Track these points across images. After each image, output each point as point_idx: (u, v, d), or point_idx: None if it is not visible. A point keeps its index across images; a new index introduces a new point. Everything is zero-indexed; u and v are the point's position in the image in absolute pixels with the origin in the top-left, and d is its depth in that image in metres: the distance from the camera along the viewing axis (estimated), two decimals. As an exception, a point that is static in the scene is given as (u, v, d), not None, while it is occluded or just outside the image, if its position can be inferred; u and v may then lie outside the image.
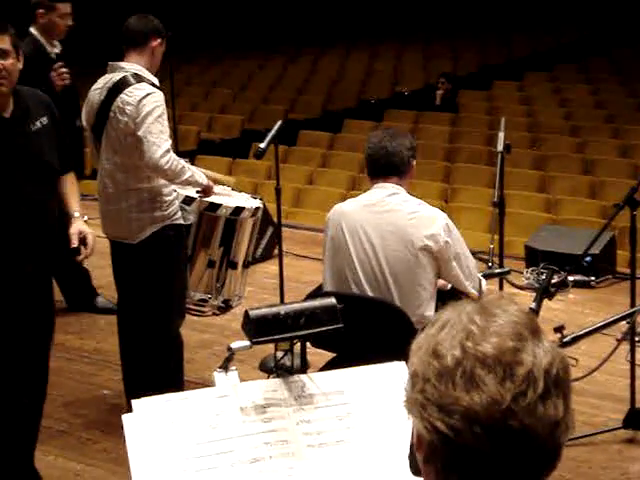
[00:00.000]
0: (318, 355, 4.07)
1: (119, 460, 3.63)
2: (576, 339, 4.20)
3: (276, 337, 2.02)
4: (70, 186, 3.73)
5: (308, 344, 3.86)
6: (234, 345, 2.04)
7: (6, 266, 3.42)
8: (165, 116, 4.20)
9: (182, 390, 4.17)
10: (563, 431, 1.23)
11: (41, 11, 5.47)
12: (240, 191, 5.16)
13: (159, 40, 4.33)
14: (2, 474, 3.59)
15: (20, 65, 3.41)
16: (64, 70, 5.41)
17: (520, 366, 1.21)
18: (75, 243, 3.57)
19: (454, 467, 1.22)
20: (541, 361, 1.22)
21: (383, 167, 3.94)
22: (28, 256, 3.45)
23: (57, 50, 5.60)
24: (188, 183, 4.40)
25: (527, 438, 1.20)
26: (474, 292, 3.89)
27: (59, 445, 3.84)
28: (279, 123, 4.98)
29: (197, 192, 4.56)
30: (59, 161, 3.61)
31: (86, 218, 3.73)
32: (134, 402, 1.94)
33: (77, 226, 3.62)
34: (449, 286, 3.99)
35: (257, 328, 2.00)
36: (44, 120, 3.52)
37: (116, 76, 4.26)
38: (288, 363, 2.06)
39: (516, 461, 1.21)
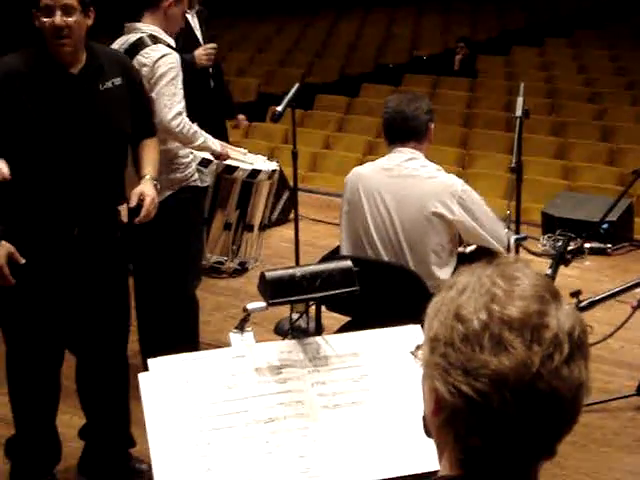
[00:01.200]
0: (332, 319, 4.08)
1: (135, 420, 3.65)
2: (592, 304, 4.20)
3: (292, 299, 2.03)
4: (147, 150, 3.60)
5: (323, 307, 3.89)
6: (250, 306, 2.05)
7: (52, 225, 3.37)
8: (179, 78, 4.18)
9: (197, 352, 4.20)
10: (585, 392, 1.25)
11: None
12: (256, 154, 5.16)
13: (172, 0, 4.27)
14: (25, 432, 3.63)
15: (89, 21, 3.30)
16: (210, 47, 5.38)
17: (546, 329, 1.21)
18: (132, 204, 3.45)
19: (477, 430, 1.23)
20: (564, 324, 1.23)
21: (401, 132, 3.92)
22: (75, 218, 3.38)
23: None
24: (201, 149, 4.39)
25: (554, 400, 1.21)
26: (501, 249, 3.90)
27: (75, 404, 3.86)
28: (296, 86, 4.95)
29: (212, 156, 4.56)
30: (135, 125, 3.50)
31: (158, 185, 3.58)
32: (150, 361, 1.95)
33: (139, 187, 3.49)
34: (468, 249, 3.99)
35: (273, 290, 2.00)
36: (117, 80, 3.41)
37: (132, 37, 4.24)
38: (303, 325, 2.06)
39: (540, 423, 1.22)
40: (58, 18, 3.21)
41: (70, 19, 3.22)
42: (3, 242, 3.25)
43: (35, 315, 3.44)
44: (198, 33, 5.69)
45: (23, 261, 3.27)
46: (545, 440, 1.25)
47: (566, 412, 1.24)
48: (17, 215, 3.36)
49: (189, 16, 5.61)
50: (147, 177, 3.55)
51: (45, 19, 3.23)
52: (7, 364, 3.59)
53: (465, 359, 1.21)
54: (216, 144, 4.46)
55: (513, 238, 4.01)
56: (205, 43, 5.60)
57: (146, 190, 3.50)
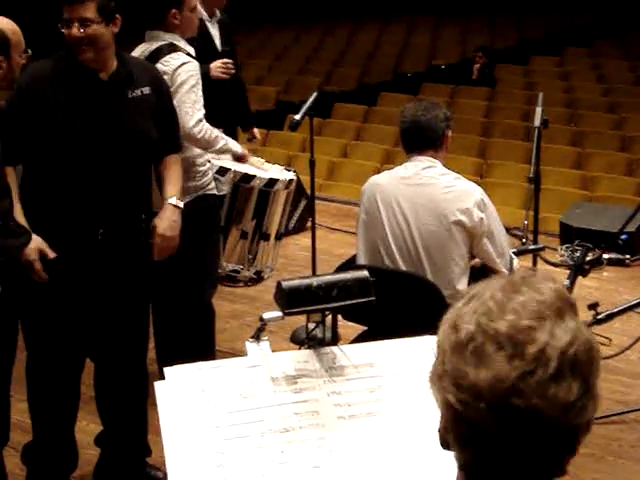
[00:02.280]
0: (349, 328, 4.07)
1: (151, 428, 3.66)
2: (610, 317, 4.18)
3: (308, 308, 2.02)
4: (170, 168, 3.64)
5: (339, 317, 3.88)
6: (266, 315, 2.04)
7: (77, 228, 3.40)
8: (199, 86, 4.19)
9: (213, 359, 4.20)
10: (578, 413, 1.20)
11: None
12: (273, 163, 5.16)
13: (175, 10, 4.23)
14: (43, 439, 3.63)
15: (115, 29, 3.36)
16: (229, 62, 5.38)
17: (531, 345, 1.19)
18: (152, 240, 3.55)
19: (467, 442, 1.23)
20: (559, 341, 1.19)
21: (418, 141, 3.92)
22: (100, 221, 3.41)
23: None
24: (223, 152, 4.41)
25: (533, 418, 1.18)
26: (504, 270, 3.87)
27: (92, 411, 3.87)
28: (314, 95, 4.96)
29: (233, 157, 4.57)
30: (160, 138, 3.54)
31: (181, 205, 3.63)
32: (166, 370, 1.95)
33: (155, 219, 3.56)
34: (480, 263, 3.98)
35: (289, 299, 2.00)
36: (146, 90, 3.47)
37: (152, 46, 4.25)
38: (319, 335, 2.06)
39: (525, 441, 1.19)
40: (75, 30, 3.31)
41: (88, 30, 3.28)
42: (34, 236, 3.28)
43: (58, 319, 3.45)
44: (217, 42, 5.68)
45: (52, 255, 3.29)
46: (539, 460, 1.22)
47: (554, 431, 1.20)
48: (42, 217, 3.40)
49: (209, 24, 5.61)
50: (169, 201, 3.60)
51: (64, 30, 3.32)
52: (27, 370, 3.60)
53: (452, 368, 1.22)
54: (237, 146, 4.48)
55: (515, 261, 3.99)
56: (223, 53, 5.59)
57: (158, 223, 3.55)
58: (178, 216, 3.61)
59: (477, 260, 3.94)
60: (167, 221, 3.58)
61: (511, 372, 1.17)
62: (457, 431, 1.23)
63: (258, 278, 4.85)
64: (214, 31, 5.68)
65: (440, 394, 1.23)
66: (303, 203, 7.18)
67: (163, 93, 3.61)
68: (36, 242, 3.29)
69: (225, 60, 5.37)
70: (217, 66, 5.31)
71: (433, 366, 1.27)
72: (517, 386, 1.17)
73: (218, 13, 5.68)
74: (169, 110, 3.66)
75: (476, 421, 1.19)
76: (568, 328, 1.21)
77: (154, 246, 3.56)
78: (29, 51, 3.28)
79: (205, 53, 4.99)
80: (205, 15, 5.55)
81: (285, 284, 2.01)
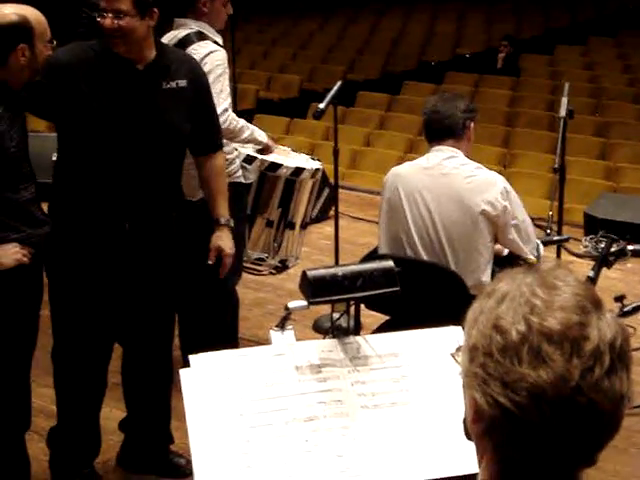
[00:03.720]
0: (371, 317, 4.08)
1: (177, 414, 3.68)
2: (637, 309, 4.16)
3: (333, 298, 2.03)
4: (217, 180, 3.70)
5: (362, 306, 3.88)
6: (291, 305, 2.05)
7: (104, 218, 3.41)
8: (226, 75, 4.20)
9: (237, 347, 4.22)
10: (626, 404, 1.22)
11: None
12: (299, 152, 5.17)
13: None
14: (68, 424, 3.67)
15: (151, 22, 3.36)
16: None
17: (587, 341, 1.19)
18: (211, 260, 3.66)
19: (514, 442, 1.21)
20: (605, 335, 1.20)
21: (437, 131, 3.93)
22: (127, 212, 3.42)
23: None
24: (248, 141, 4.42)
25: (593, 413, 1.19)
26: (532, 257, 3.87)
27: (116, 397, 3.90)
28: (339, 83, 4.95)
29: (257, 150, 4.57)
30: (198, 135, 3.56)
31: (232, 224, 3.71)
32: (192, 357, 1.96)
33: (216, 241, 3.66)
34: (505, 252, 3.97)
35: (314, 289, 2.01)
36: (182, 82, 3.46)
37: (181, 33, 4.26)
38: (344, 324, 2.06)
39: (580, 435, 1.20)
40: (108, 20, 3.31)
41: (121, 22, 3.28)
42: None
43: (86, 307, 3.48)
44: None
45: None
46: (585, 451, 1.23)
47: (606, 424, 1.21)
48: (71, 206, 3.42)
49: None
50: (222, 222, 3.69)
51: (99, 19, 3.33)
52: (54, 357, 3.62)
53: (503, 371, 1.19)
54: (263, 136, 4.49)
55: (542, 248, 3.98)
56: None
57: (223, 245, 3.66)
58: (232, 233, 3.73)
59: (499, 247, 3.94)
60: (229, 241, 3.69)
61: (573, 371, 1.17)
62: (504, 432, 1.21)
63: (283, 267, 4.86)
64: None
65: (486, 397, 1.20)
66: (326, 192, 7.17)
67: (202, 87, 3.58)
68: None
69: None
70: None
71: (468, 369, 1.24)
72: (579, 384, 1.17)
73: None
74: (207, 106, 3.63)
75: (535, 421, 1.18)
76: (608, 320, 1.22)
77: (223, 266, 3.70)
78: (54, 42, 3.28)
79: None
80: None
81: (310, 273, 2.02)
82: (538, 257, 3.91)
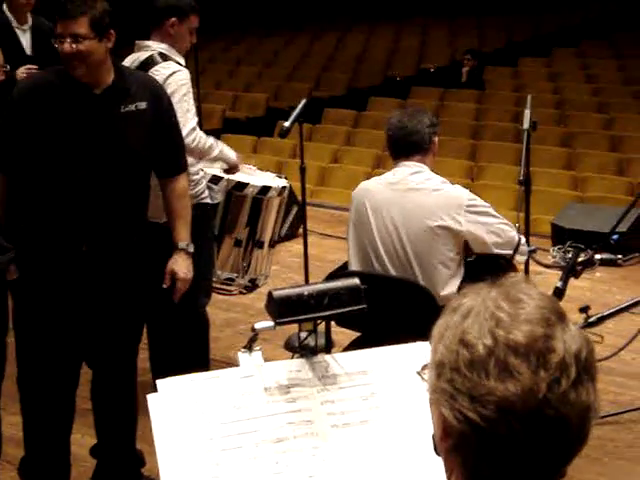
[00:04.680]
0: (343, 334, 4.08)
1: (145, 438, 3.64)
2: (601, 319, 4.19)
3: (299, 318, 2.02)
4: (179, 202, 3.68)
5: (333, 323, 3.87)
6: (258, 325, 2.04)
7: (61, 241, 3.40)
8: (191, 95, 4.20)
9: (208, 369, 4.19)
10: (593, 415, 1.22)
11: None
12: (265, 170, 5.16)
13: (174, 19, 4.27)
14: (36, 453, 3.62)
15: (109, 44, 3.35)
16: (33, 67, 5.46)
17: (553, 354, 1.19)
18: (165, 284, 3.65)
19: (484, 457, 1.21)
20: (571, 347, 1.20)
21: (404, 146, 3.93)
22: (85, 235, 3.40)
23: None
24: (217, 160, 4.42)
25: (561, 426, 1.19)
26: (518, 257, 3.91)
27: (86, 423, 3.87)
28: (303, 102, 4.96)
29: (224, 170, 4.57)
30: (162, 156, 3.54)
31: (191, 249, 3.70)
32: (159, 382, 1.95)
33: (171, 264, 3.65)
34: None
35: (280, 309, 2.00)
36: (142, 105, 3.43)
37: (143, 55, 4.26)
38: (312, 343, 2.06)
39: (548, 448, 1.20)
40: (67, 45, 3.30)
41: (80, 46, 3.27)
42: None
43: (50, 331, 3.45)
44: (26, 47, 5.78)
45: None
46: (554, 464, 1.23)
47: (575, 437, 1.22)
48: (29, 227, 3.40)
49: (19, 31, 5.74)
50: (180, 246, 3.68)
51: (57, 45, 3.32)
52: (20, 384, 3.59)
53: (471, 385, 1.18)
54: (232, 153, 4.49)
55: (524, 240, 4.00)
56: (31, 58, 5.69)
57: (177, 269, 3.65)
58: (190, 258, 3.71)
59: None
60: (184, 266, 3.67)
61: (540, 383, 1.17)
62: (474, 447, 1.21)
63: (253, 286, 4.85)
64: (24, 37, 5.76)
65: (454, 412, 1.20)
66: (295, 210, 7.18)
67: (163, 109, 3.55)
68: None
69: (29, 66, 5.44)
70: (21, 71, 5.40)
71: (435, 385, 1.23)
72: (547, 396, 1.17)
73: (30, 20, 5.75)
74: (169, 126, 3.60)
75: (503, 434, 1.18)
76: (573, 332, 1.22)
77: (176, 290, 3.68)
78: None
79: (13, 58, 5.01)
80: (15, 22, 5.75)
81: (276, 294, 2.01)
82: (516, 251, 3.91)
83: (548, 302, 1.25)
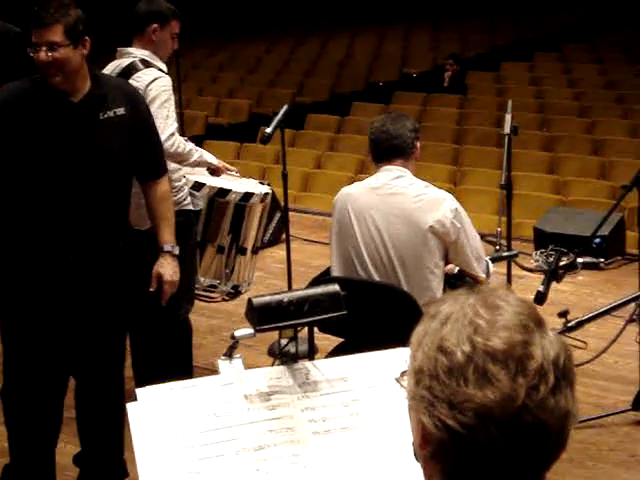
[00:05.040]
0: (327, 340, 4.07)
1: (128, 446, 3.63)
2: (581, 324, 4.20)
3: (279, 325, 2.02)
4: (162, 205, 3.66)
5: (316, 329, 3.87)
6: (238, 333, 2.04)
7: (48, 250, 3.37)
8: (172, 101, 4.20)
9: (191, 376, 4.18)
10: (572, 421, 1.22)
11: None
12: (248, 177, 5.16)
13: (156, 25, 4.28)
14: (22, 463, 3.60)
15: (84, 51, 3.33)
16: None
17: (531, 360, 1.19)
18: (152, 288, 3.65)
19: (463, 464, 1.21)
20: (549, 353, 1.20)
21: (386, 150, 3.93)
22: (71, 243, 3.38)
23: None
24: (198, 164, 4.41)
25: (540, 432, 1.19)
26: (482, 275, 3.89)
27: (69, 432, 3.84)
28: (285, 108, 4.97)
29: (209, 171, 4.57)
30: (142, 160, 3.53)
31: (177, 251, 3.70)
32: (138, 391, 1.94)
33: (157, 268, 3.66)
34: (456, 270, 3.98)
35: (260, 316, 2.00)
36: (120, 110, 3.42)
37: (124, 62, 4.26)
38: (292, 350, 2.05)
39: (527, 454, 1.20)
40: (42, 54, 3.29)
41: (56, 54, 3.26)
42: None
43: (38, 341, 3.43)
44: None
45: None
46: (533, 471, 1.23)
47: (553, 442, 1.22)
48: (14, 239, 3.38)
49: None
50: (165, 249, 3.67)
51: (33, 54, 3.31)
52: (4, 396, 3.56)
53: (450, 392, 1.19)
54: (212, 158, 4.49)
55: (491, 265, 4.01)
56: None
57: (163, 272, 3.64)
58: (176, 261, 3.71)
59: (451, 266, 3.95)
60: (170, 268, 3.67)
61: (519, 390, 1.17)
62: (453, 453, 1.21)
63: (235, 292, 4.84)
64: None
65: (433, 419, 1.20)
66: (278, 215, 7.17)
67: (140, 113, 3.54)
68: None
69: None
70: None
71: (414, 392, 1.23)
72: (526, 403, 1.17)
73: None
74: (147, 131, 3.59)
75: (482, 441, 1.18)
76: (551, 338, 1.22)
77: (163, 293, 3.67)
78: None
79: None
80: None
81: (256, 301, 2.01)
82: (488, 275, 3.93)
83: (526, 308, 1.25)
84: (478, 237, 3.94)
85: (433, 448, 1.23)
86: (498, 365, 1.18)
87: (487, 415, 1.17)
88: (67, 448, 3.96)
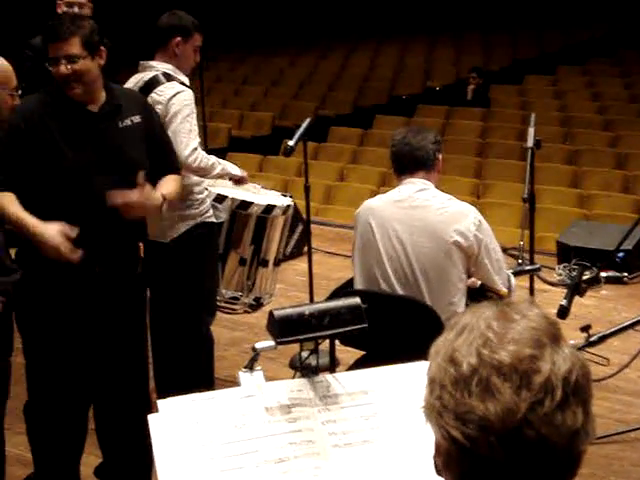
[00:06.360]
0: (348, 352, 4.07)
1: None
2: (603, 338, 4.16)
3: (300, 337, 2.02)
4: (166, 180, 3.58)
5: (337, 342, 3.87)
6: (259, 345, 2.04)
7: (73, 265, 3.35)
8: (194, 115, 4.22)
9: (212, 388, 4.19)
10: (583, 439, 1.20)
11: None
12: (270, 189, 5.18)
13: (179, 39, 4.31)
14: (47, 475, 3.61)
15: (101, 61, 3.38)
16: None
17: (537, 374, 1.18)
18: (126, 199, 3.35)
19: (471, 476, 1.21)
20: (560, 368, 1.19)
21: (409, 163, 3.94)
22: (96, 255, 3.39)
23: None
24: (221, 176, 4.43)
25: (544, 448, 1.17)
26: (504, 289, 3.87)
27: (91, 442, 3.85)
28: (307, 120, 4.98)
29: (234, 181, 4.59)
30: (155, 163, 3.53)
31: (165, 206, 3.49)
32: (159, 402, 1.94)
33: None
34: (478, 283, 3.97)
35: (282, 328, 2.00)
36: (136, 118, 3.48)
37: (147, 75, 4.29)
38: (313, 363, 2.05)
39: (533, 470, 1.19)
40: (62, 67, 3.33)
41: (75, 66, 3.30)
42: (49, 225, 3.23)
43: (61, 357, 3.44)
44: None
45: (74, 235, 3.23)
46: None
47: (560, 460, 1.20)
48: (39, 252, 3.39)
49: None
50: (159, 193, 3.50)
51: (52, 68, 3.35)
52: (27, 411, 3.57)
53: (455, 403, 1.19)
54: (235, 169, 4.51)
55: (513, 279, 3.99)
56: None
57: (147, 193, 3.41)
58: (161, 205, 3.49)
59: (473, 280, 3.94)
60: (154, 198, 3.44)
61: (521, 404, 1.16)
62: (460, 465, 1.21)
63: (257, 304, 4.85)
64: None
65: (441, 430, 1.20)
66: (300, 228, 7.18)
67: (152, 119, 3.62)
68: (53, 227, 3.22)
69: None
70: None
71: (428, 402, 1.24)
72: (528, 417, 1.16)
73: None
74: (160, 135, 3.66)
75: (485, 454, 1.17)
76: (565, 354, 1.21)
77: (128, 207, 3.35)
78: (20, 91, 3.28)
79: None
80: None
81: (277, 313, 2.01)
82: (510, 289, 3.91)
83: (543, 323, 1.24)
84: (500, 251, 3.93)
85: (443, 459, 1.24)
86: (502, 378, 1.18)
87: (488, 427, 1.17)
88: (89, 459, 3.97)
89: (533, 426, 1.17)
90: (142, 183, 3.35)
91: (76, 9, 4.90)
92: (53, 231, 3.23)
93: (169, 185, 3.59)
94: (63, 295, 3.40)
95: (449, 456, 1.22)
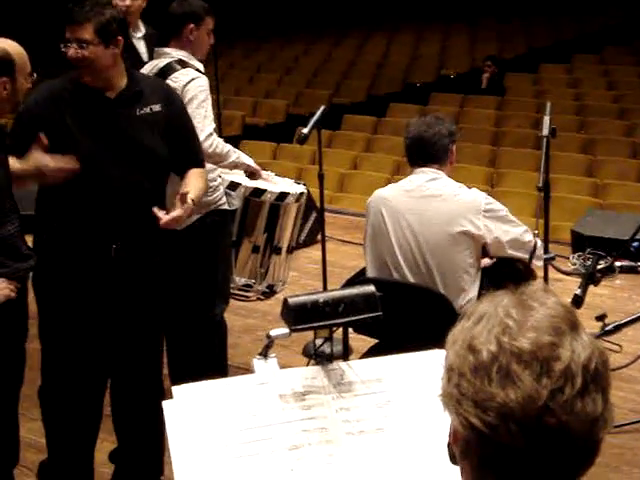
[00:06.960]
0: (361, 341, 4.07)
1: (166, 446, 3.65)
2: (618, 328, 4.16)
3: (314, 325, 2.02)
4: (191, 176, 3.57)
5: (350, 330, 3.87)
6: (273, 332, 2.04)
7: (90, 243, 3.39)
8: (209, 101, 4.22)
9: (226, 375, 4.20)
10: (602, 427, 1.20)
11: None
12: (284, 177, 5.17)
13: (192, 25, 4.30)
14: (60, 461, 3.63)
15: (116, 50, 3.36)
16: None
17: (557, 362, 1.18)
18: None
19: (490, 463, 1.21)
20: (579, 356, 1.19)
21: (422, 156, 3.94)
22: (112, 239, 3.41)
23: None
24: (235, 166, 4.43)
25: (564, 435, 1.18)
26: (535, 262, 3.90)
27: (105, 429, 3.87)
28: (322, 108, 4.96)
29: (245, 174, 4.58)
30: (178, 155, 3.53)
31: (193, 206, 3.42)
32: (174, 389, 1.95)
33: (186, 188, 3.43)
34: (484, 263, 3.98)
35: (296, 316, 2.00)
36: (156, 107, 3.46)
37: (162, 62, 4.28)
38: (327, 351, 2.05)
39: (553, 458, 1.19)
40: (72, 50, 3.33)
41: (85, 52, 3.29)
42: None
43: (77, 340, 3.45)
44: (145, 57, 5.61)
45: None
46: (563, 475, 1.22)
47: (580, 448, 1.20)
48: (56, 235, 3.41)
49: (134, 40, 5.56)
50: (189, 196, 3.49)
51: (64, 49, 3.35)
52: (42, 395, 3.58)
53: (475, 391, 1.19)
54: (249, 160, 4.50)
55: (540, 243, 3.99)
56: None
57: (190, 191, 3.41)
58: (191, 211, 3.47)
59: (486, 260, 3.95)
60: (198, 192, 3.48)
61: (541, 391, 1.16)
62: (479, 453, 1.21)
63: (270, 292, 4.85)
64: (140, 47, 5.59)
65: (460, 417, 1.20)
66: (313, 216, 7.18)
67: (176, 109, 3.59)
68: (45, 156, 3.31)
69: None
70: None
71: (445, 389, 1.24)
72: (548, 404, 1.16)
73: (143, 28, 5.48)
74: (184, 126, 3.63)
75: (505, 442, 1.17)
76: (584, 341, 1.21)
77: (181, 211, 3.34)
78: (35, 75, 3.29)
79: (133, 66, 4.95)
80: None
81: (291, 301, 2.01)
82: (532, 256, 3.91)
83: (562, 311, 1.24)
84: (518, 225, 3.90)
85: (461, 447, 1.24)
86: (522, 365, 1.18)
87: (509, 415, 1.17)
88: (103, 445, 3.99)
89: (554, 413, 1.17)
90: (187, 202, 3.33)
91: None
92: (46, 157, 3.31)
93: (197, 185, 3.56)
94: (80, 280, 3.42)
95: (467, 444, 1.22)
